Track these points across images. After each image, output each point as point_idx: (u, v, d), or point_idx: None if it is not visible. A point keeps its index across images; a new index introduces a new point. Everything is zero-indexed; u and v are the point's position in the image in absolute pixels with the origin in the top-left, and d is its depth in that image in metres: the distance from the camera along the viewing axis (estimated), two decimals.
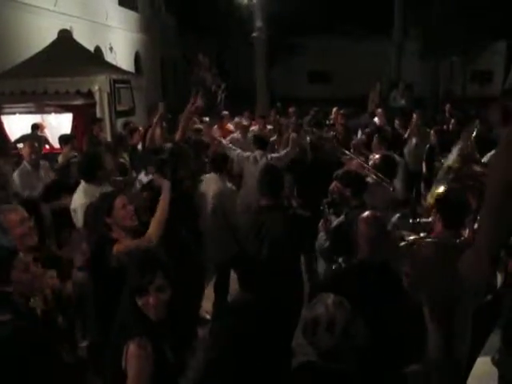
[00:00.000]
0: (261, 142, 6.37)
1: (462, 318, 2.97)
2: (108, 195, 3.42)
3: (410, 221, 3.43)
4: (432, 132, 7.27)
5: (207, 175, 4.97)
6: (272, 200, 3.58)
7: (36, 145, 6.01)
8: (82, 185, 4.29)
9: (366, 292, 2.78)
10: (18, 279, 2.30)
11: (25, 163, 5.76)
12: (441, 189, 3.02)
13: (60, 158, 6.29)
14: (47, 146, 8.07)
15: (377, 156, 4.78)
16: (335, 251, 3.73)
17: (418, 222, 3.36)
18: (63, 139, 6.52)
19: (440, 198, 3.01)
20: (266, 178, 3.68)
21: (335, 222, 3.86)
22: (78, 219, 4.06)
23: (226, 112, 10.07)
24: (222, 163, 4.85)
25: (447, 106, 10.53)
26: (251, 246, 3.60)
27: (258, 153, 6.15)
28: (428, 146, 7.15)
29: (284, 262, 3.47)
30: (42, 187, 5.46)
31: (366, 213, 3.06)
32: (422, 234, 3.26)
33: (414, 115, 7.97)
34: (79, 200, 4.17)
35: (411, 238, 3.21)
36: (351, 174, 4.02)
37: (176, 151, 4.72)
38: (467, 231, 3.19)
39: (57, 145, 7.18)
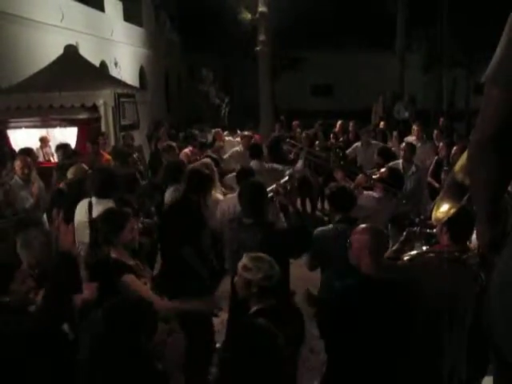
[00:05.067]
0: (255, 151, 6.07)
1: (459, 332, 2.91)
2: (120, 213, 3.25)
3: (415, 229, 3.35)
4: (441, 145, 7.15)
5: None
6: (253, 218, 3.40)
7: (28, 159, 5.86)
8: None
9: (370, 307, 2.75)
10: (16, 290, 2.39)
11: (16, 178, 5.60)
12: (446, 206, 2.88)
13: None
14: (52, 160, 8.10)
15: (383, 169, 4.77)
16: (313, 263, 3.70)
17: (427, 232, 3.29)
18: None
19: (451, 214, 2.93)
20: (248, 196, 3.47)
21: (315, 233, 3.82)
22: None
23: (218, 129, 10.12)
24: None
25: (441, 120, 10.57)
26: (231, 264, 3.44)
27: (253, 163, 5.78)
28: (436, 158, 7.07)
29: None
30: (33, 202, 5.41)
31: (364, 226, 3.01)
32: (424, 248, 3.20)
33: (415, 127, 8.09)
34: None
35: (414, 252, 3.15)
36: (335, 189, 3.95)
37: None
38: (473, 244, 3.15)
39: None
